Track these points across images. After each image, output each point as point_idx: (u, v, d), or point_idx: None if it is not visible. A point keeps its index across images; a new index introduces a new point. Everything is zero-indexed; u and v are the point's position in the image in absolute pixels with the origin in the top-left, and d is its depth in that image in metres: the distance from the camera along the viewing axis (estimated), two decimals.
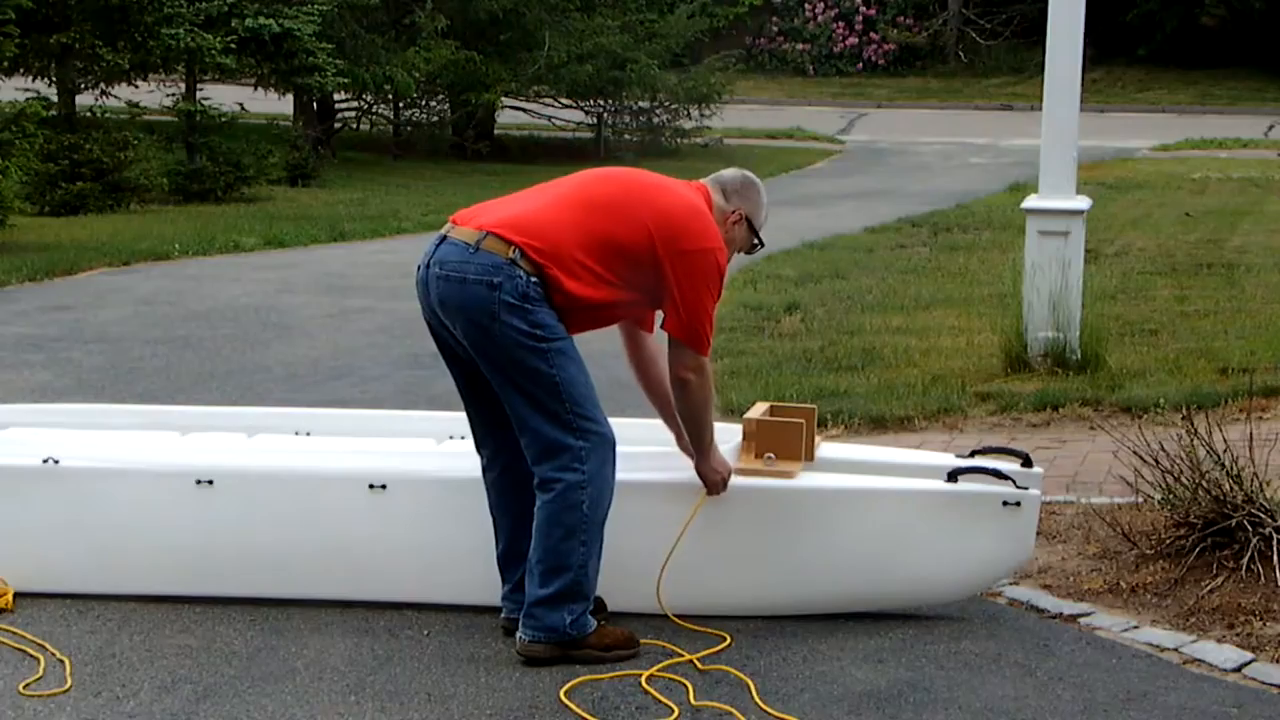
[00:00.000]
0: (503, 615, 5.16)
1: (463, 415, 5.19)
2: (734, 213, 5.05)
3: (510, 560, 5.11)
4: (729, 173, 5.15)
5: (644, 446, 5.30)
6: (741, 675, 4.81)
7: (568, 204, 4.86)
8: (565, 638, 4.88)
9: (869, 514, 5.26)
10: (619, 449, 4.95)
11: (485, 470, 5.14)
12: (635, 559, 5.17)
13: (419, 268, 4.91)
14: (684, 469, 5.17)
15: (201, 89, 19.53)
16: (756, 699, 4.65)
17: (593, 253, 4.78)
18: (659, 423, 5.30)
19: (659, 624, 5.17)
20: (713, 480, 5.11)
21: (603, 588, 5.06)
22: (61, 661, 4.90)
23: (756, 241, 5.13)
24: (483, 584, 5.23)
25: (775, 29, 36.35)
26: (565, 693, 4.69)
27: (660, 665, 4.89)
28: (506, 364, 4.75)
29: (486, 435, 5.09)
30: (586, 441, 4.81)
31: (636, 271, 4.82)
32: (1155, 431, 6.39)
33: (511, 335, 4.71)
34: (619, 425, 5.02)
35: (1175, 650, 5.07)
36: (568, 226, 4.79)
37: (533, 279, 4.73)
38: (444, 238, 4.87)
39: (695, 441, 5.07)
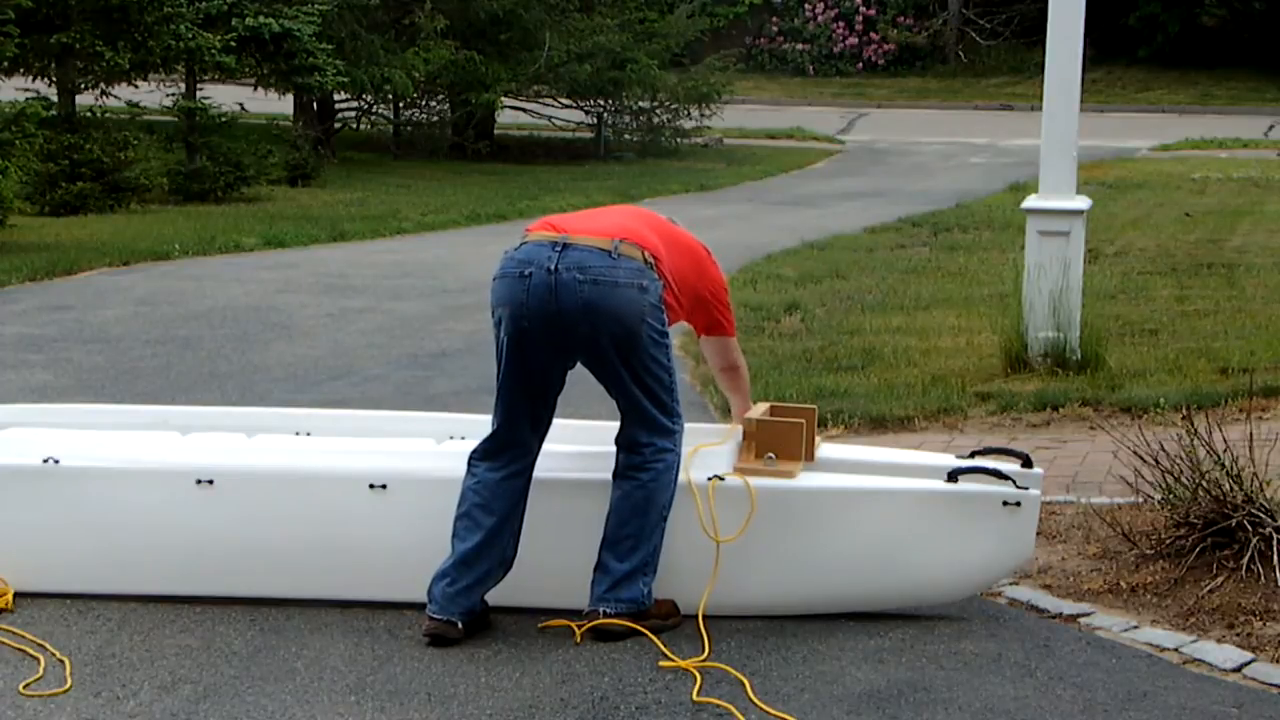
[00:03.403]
0: (441, 619, 5.07)
1: (462, 416, 5.15)
2: None
3: (469, 560, 5.07)
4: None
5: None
6: (741, 675, 4.81)
7: (646, 226, 5.26)
8: (641, 608, 5.11)
9: (869, 514, 5.27)
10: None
11: (492, 470, 5.12)
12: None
13: (530, 273, 5.00)
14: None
15: (201, 89, 19.53)
16: (755, 699, 4.65)
17: (671, 271, 5.21)
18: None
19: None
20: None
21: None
22: (61, 661, 4.90)
23: None
24: None
25: (775, 29, 36.38)
26: (565, 692, 4.70)
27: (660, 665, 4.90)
28: (639, 360, 5.09)
29: (524, 439, 5.14)
30: (678, 426, 5.22)
31: (685, 292, 5.30)
32: (1155, 431, 6.40)
33: (652, 334, 5.09)
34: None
35: (1175, 650, 5.07)
36: (660, 247, 5.20)
37: (661, 282, 5.14)
38: (564, 244, 5.03)
39: (744, 397, 5.70)
